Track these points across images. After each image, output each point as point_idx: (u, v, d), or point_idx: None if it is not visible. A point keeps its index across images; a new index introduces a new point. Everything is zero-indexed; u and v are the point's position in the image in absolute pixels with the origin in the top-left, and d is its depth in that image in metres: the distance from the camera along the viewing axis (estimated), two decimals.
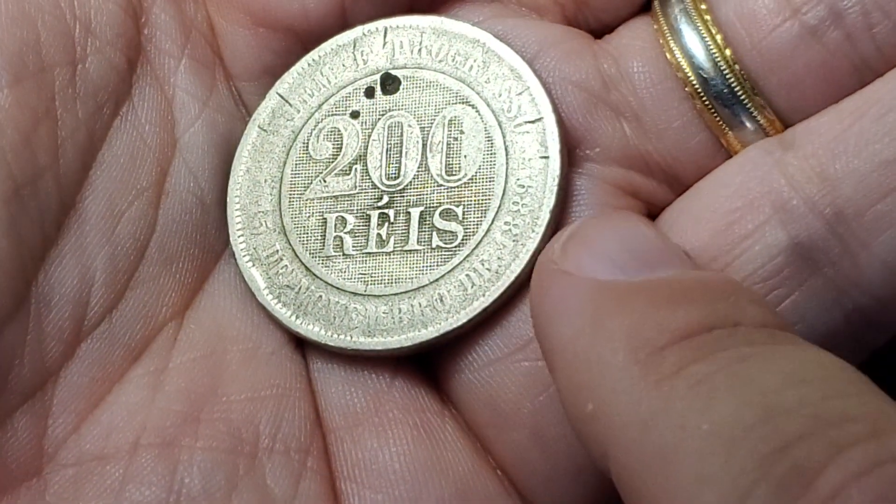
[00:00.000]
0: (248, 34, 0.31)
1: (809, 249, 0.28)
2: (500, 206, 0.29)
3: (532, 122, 0.29)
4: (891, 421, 0.22)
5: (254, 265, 0.30)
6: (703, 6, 0.29)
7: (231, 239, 0.31)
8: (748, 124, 0.29)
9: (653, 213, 0.30)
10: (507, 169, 0.29)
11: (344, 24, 0.31)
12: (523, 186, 0.29)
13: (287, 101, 0.31)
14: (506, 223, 0.29)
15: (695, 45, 0.29)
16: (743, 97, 0.29)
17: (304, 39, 0.31)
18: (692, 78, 0.29)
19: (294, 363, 0.30)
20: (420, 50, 0.31)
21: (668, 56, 0.29)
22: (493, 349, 0.29)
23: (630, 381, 0.23)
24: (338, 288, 0.30)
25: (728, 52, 0.29)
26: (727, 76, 0.29)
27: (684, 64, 0.29)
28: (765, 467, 0.21)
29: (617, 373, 0.23)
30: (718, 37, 0.29)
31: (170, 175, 0.30)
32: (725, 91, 0.29)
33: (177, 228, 0.30)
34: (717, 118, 0.29)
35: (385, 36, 0.31)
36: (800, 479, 0.21)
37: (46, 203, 0.28)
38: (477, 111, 0.30)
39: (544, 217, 0.29)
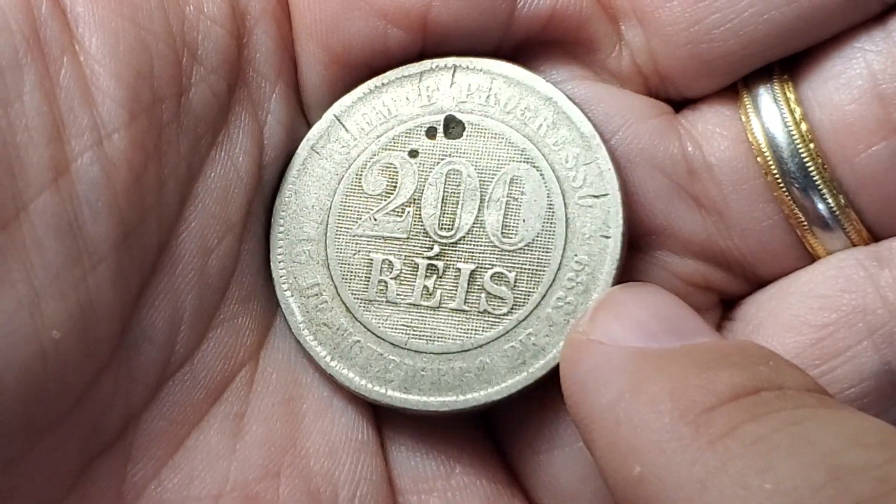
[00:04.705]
0: (323, 68, 0.30)
1: None
2: (554, 280, 0.29)
3: (597, 196, 0.29)
4: None
5: (292, 295, 0.30)
6: (791, 96, 0.29)
7: (272, 265, 0.30)
8: (833, 226, 0.28)
9: (725, 300, 0.30)
10: (565, 241, 0.29)
11: None
12: (581, 263, 0.28)
13: (343, 125, 0.30)
14: (558, 298, 0.28)
15: (782, 139, 0.28)
16: (831, 202, 0.28)
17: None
18: (774, 169, 0.28)
19: (369, 411, 0.30)
20: (489, 97, 0.29)
21: (750, 138, 0.29)
22: (560, 436, 0.29)
23: (680, 441, 0.23)
24: (377, 335, 0.29)
25: (812, 145, 0.28)
26: (814, 179, 0.28)
27: (768, 154, 0.29)
28: None
29: (665, 434, 0.23)
30: (803, 126, 0.28)
31: (253, 206, 0.29)
32: (809, 190, 0.28)
33: (254, 263, 0.29)
34: (802, 220, 0.29)
35: (454, 74, 0.30)
36: None
37: (148, 245, 0.27)
38: (541, 174, 0.29)
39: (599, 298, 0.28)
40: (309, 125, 0.31)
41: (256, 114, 0.29)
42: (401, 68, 0.30)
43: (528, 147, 0.29)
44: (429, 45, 0.30)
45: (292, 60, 0.30)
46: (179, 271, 0.28)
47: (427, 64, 0.30)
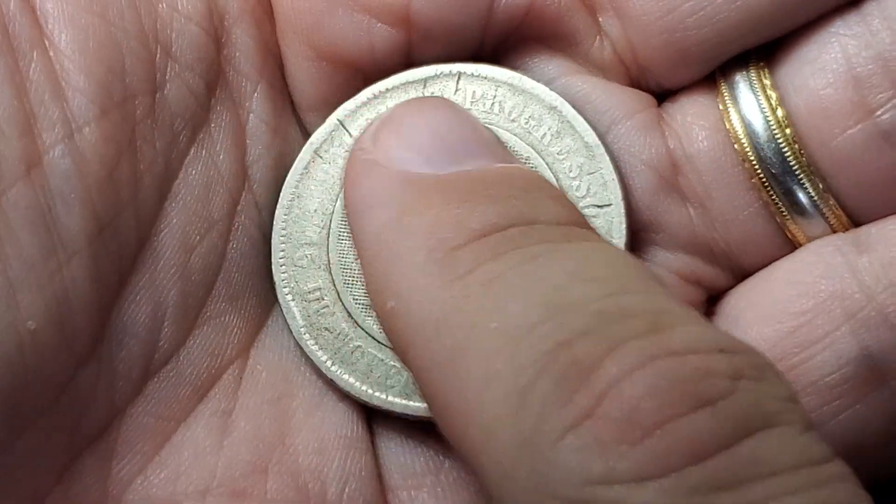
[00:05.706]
0: (310, 66, 0.30)
1: (879, 361, 0.28)
2: None
3: (600, 206, 0.29)
4: (670, 317, 0.22)
5: (294, 299, 0.30)
6: (767, 81, 0.29)
7: (273, 268, 0.30)
8: (811, 212, 0.29)
9: (713, 297, 0.30)
10: None
11: (408, 64, 0.30)
12: None
13: (347, 130, 0.30)
14: None
15: (758, 125, 0.29)
16: (809, 187, 0.29)
17: (367, 76, 0.30)
18: (752, 156, 0.29)
19: (360, 408, 0.30)
20: (493, 105, 0.30)
21: (728, 126, 0.29)
22: None
23: (426, 280, 0.23)
24: (378, 341, 0.29)
25: (789, 131, 0.28)
26: (791, 164, 0.28)
27: (745, 141, 0.29)
28: (545, 363, 0.21)
29: (416, 272, 0.24)
30: (780, 112, 0.28)
31: (239, 206, 0.29)
32: (787, 176, 0.29)
33: (243, 263, 0.29)
34: (781, 207, 0.29)
35: (458, 82, 0.30)
36: (578, 374, 0.21)
37: (125, 239, 0.27)
38: None
39: None
40: (303, 126, 0.31)
41: (238, 113, 0.29)
42: (405, 74, 0.30)
43: (532, 155, 0.29)
44: (414, 40, 0.30)
45: (276, 60, 0.30)
46: (161, 267, 0.28)
47: (431, 70, 0.30)
